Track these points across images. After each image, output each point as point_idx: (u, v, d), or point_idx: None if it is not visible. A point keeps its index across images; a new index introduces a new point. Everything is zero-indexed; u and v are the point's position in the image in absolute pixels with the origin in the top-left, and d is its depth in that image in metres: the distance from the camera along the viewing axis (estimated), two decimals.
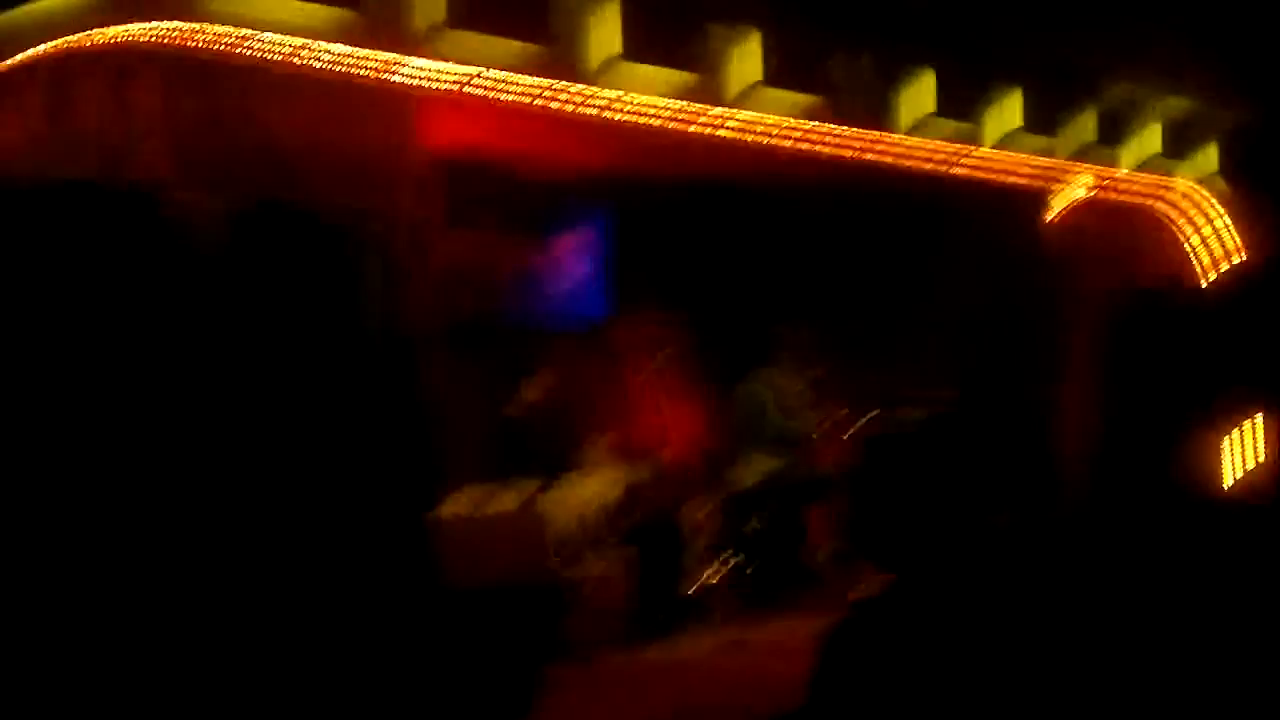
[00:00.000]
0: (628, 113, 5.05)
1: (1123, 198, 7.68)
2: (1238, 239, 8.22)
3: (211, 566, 3.62)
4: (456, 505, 5.72)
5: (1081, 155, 7.19)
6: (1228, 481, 7.56)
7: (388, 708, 4.12)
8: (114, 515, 3.51)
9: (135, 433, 3.54)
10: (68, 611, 3.42)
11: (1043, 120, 6.87)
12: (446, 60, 4.35)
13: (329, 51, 4.04)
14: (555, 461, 6.66)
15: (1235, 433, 7.69)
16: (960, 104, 6.45)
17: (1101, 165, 7.35)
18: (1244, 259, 8.20)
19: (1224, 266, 8.23)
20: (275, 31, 3.87)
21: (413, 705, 4.28)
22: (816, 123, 5.74)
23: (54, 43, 3.66)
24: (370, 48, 4.12)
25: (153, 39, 3.66)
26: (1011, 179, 7.00)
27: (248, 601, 3.68)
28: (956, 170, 6.57)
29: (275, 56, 3.93)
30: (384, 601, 4.09)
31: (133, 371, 3.52)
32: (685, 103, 5.19)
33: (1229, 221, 8.21)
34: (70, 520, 3.43)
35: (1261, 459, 7.62)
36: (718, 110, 5.31)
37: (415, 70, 4.30)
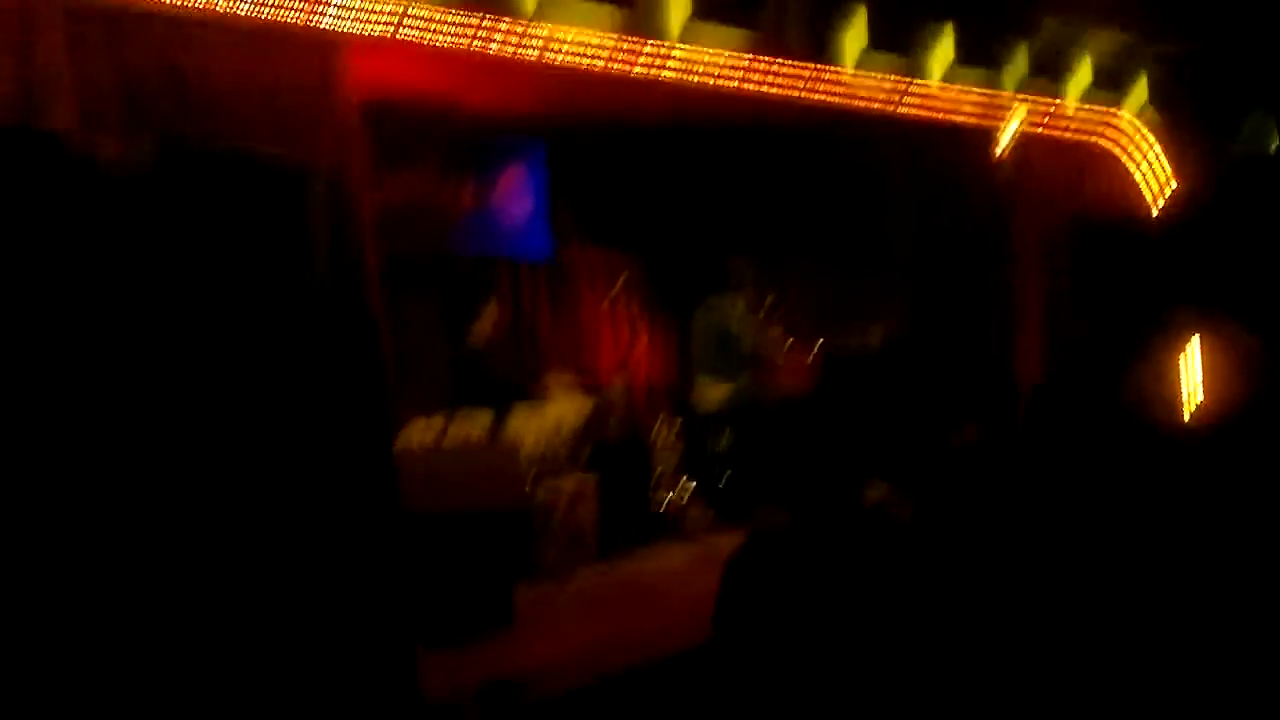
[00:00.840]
0: (565, 52, 4.64)
1: (1068, 132, 7.33)
2: (1169, 169, 7.84)
3: (164, 519, 3.35)
4: (416, 435, 5.48)
5: (1017, 89, 6.79)
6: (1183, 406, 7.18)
7: (366, 629, 3.84)
8: (45, 479, 3.17)
9: (69, 388, 3.21)
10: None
11: (978, 55, 6.44)
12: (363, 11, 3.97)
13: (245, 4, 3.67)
14: (513, 391, 6.39)
15: (1186, 359, 7.32)
16: (895, 38, 6.01)
17: (1038, 98, 6.91)
18: (1178, 187, 7.81)
19: (1162, 196, 7.88)
20: None
21: (391, 626, 4.01)
22: (755, 58, 5.31)
23: None
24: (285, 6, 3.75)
25: None
26: (953, 113, 6.61)
27: (208, 549, 3.41)
28: (898, 106, 6.15)
29: (190, 5, 3.55)
30: (354, 532, 3.78)
31: (52, 324, 3.17)
32: (620, 39, 4.77)
33: (1161, 151, 7.82)
34: None
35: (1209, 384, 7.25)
36: (651, 48, 4.90)
37: (341, 11, 3.92)
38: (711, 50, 5.23)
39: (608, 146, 7.64)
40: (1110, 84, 7.49)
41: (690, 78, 5.19)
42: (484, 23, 4.38)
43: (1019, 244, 7.24)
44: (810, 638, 2.27)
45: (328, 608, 3.69)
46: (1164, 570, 3.09)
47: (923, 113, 6.35)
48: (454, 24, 4.32)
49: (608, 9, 4.77)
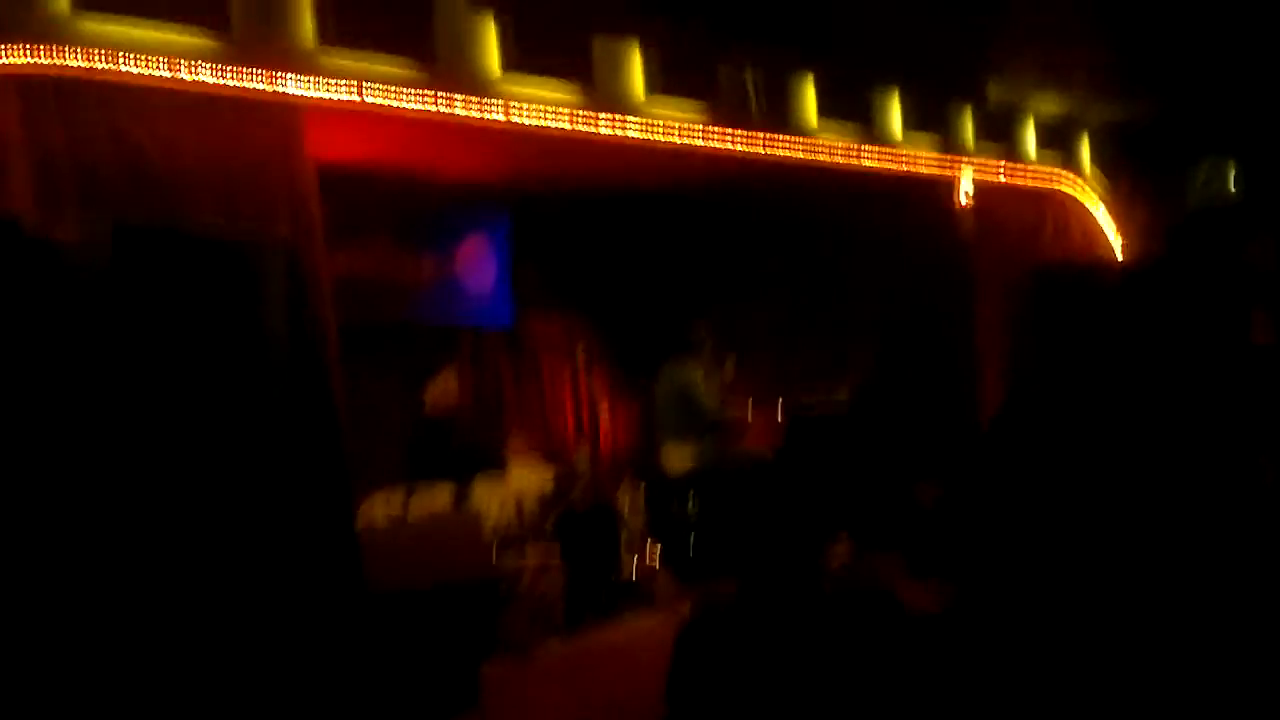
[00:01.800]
0: (528, 114, 4.68)
1: (1023, 185, 7.52)
2: (1121, 221, 8.06)
3: (128, 593, 3.23)
4: (378, 509, 5.40)
5: (967, 150, 6.93)
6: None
7: (328, 713, 3.75)
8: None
9: (23, 467, 3.12)
10: None
11: (928, 118, 6.61)
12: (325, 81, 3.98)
13: (207, 70, 3.67)
14: (475, 460, 6.34)
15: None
16: (848, 106, 6.15)
17: (987, 161, 7.11)
18: (1131, 239, 8.03)
19: (1117, 247, 8.09)
20: (139, 63, 3.50)
21: (355, 711, 3.92)
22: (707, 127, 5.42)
23: None
24: (241, 74, 3.75)
25: (16, 63, 3.27)
26: (908, 173, 6.76)
27: (174, 622, 3.29)
28: (858, 159, 6.27)
29: (151, 76, 3.54)
30: (316, 610, 3.70)
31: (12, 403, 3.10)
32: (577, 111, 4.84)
33: (1111, 205, 8.04)
34: None
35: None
36: (608, 116, 4.97)
37: (298, 86, 3.93)
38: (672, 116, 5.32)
39: (569, 214, 7.70)
40: (1057, 143, 7.71)
41: (653, 135, 5.25)
42: (446, 87, 4.40)
43: (980, 296, 7.36)
44: (758, 711, 2.24)
45: (290, 690, 3.60)
46: (1131, 615, 3.10)
47: (881, 166, 6.48)
48: (417, 89, 4.33)
49: (567, 84, 4.83)
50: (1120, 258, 8.04)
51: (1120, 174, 8.04)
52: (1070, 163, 7.82)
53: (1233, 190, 8.00)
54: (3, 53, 3.24)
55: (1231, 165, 7.98)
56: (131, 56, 3.49)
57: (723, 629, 2.35)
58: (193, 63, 3.64)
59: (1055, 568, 3.18)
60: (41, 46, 3.31)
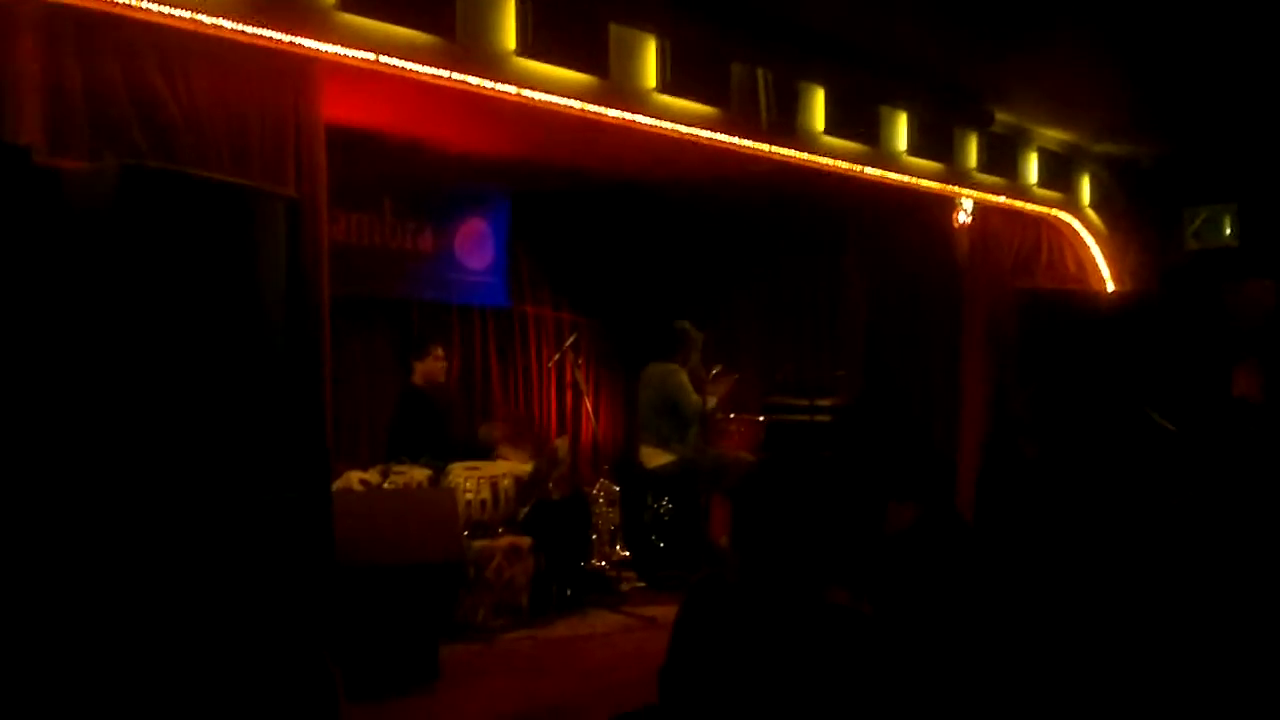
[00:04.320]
0: (541, 88, 4.73)
1: (1019, 212, 7.66)
2: (1115, 256, 8.17)
3: (101, 550, 3.28)
4: (354, 481, 5.43)
5: (962, 179, 7.06)
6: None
7: (290, 678, 3.77)
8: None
9: (9, 405, 3.14)
10: None
11: (932, 142, 6.71)
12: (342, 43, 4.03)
13: (224, 22, 3.71)
14: (455, 441, 6.38)
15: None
16: (854, 123, 6.24)
17: (984, 190, 7.23)
18: (1125, 273, 8.14)
19: (1109, 280, 8.23)
20: (161, 3, 3.54)
21: (316, 676, 3.94)
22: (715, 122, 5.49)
23: None
24: (261, 25, 3.79)
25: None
26: (908, 194, 6.84)
27: (137, 580, 3.33)
28: (854, 175, 6.37)
29: (171, 17, 3.58)
30: (283, 576, 3.72)
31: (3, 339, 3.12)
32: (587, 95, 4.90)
33: (1106, 240, 8.14)
34: None
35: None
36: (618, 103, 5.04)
37: (316, 41, 3.98)
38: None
39: (569, 205, 7.77)
40: (1059, 173, 7.81)
41: (661, 125, 5.30)
42: (462, 58, 4.44)
43: (968, 314, 7.45)
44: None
45: (251, 652, 3.62)
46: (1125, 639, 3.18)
47: (882, 179, 6.57)
48: (433, 57, 4.36)
49: (580, 67, 4.89)
50: (1111, 292, 8.18)
51: (1119, 210, 8.18)
52: (1070, 193, 7.95)
53: (1229, 236, 8.15)
54: None
55: (1231, 211, 8.12)
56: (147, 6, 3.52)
57: (717, 606, 2.41)
58: (214, 9, 3.68)
59: (1024, 592, 3.26)
60: None
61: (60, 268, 3.26)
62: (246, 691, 3.58)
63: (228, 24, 3.72)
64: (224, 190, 3.62)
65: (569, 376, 7.74)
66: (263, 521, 3.68)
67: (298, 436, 3.91)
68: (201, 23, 3.66)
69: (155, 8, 3.53)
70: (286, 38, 3.89)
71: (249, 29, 3.77)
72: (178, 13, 3.61)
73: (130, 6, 3.49)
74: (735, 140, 5.63)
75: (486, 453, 6.50)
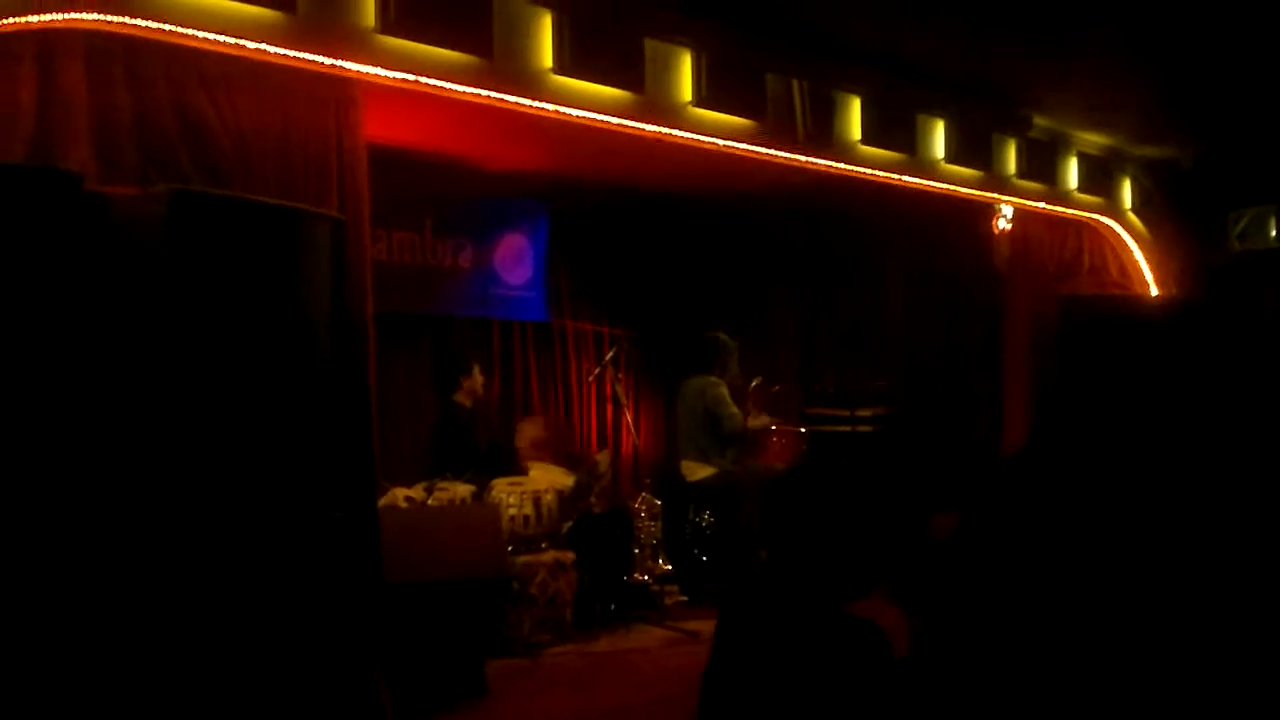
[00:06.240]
0: (578, 105, 4.78)
1: (1060, 218, 7.61)
2: (1158, 261, 8.09)
3: (150, 563, 3.31)
4: (399, 498, 5.46)
5: (1001, 186, 7.01)
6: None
7: (338, 695, 3.80)
8: (44, 514, 3.16)
9: (65, 428, 3.20)
10: None
11: (965, 152, 6.68)
12: (383, 65, 4.08)
13: (268, 47, 3.78)
14: (497, 458, 6.41)
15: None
16: (892, 132, 6.24)
17: (1024, 197, 7.19)
18: (1168, 279, 8.07)
19: (1152, 285, 8.16)
20: (206, 30, 3.60)
21: (364, 693, 3.97)
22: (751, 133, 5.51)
23: None
24: (304, 50, 3.85)
25: (86, 20, 3.38)
26: (947, 201, 6.82)
27: (192, 600, 3.36)
28: (891, 183, 6.35)
29: (217, 43, 3.65)
30: (333, 595, 3.76)
31: (59, 363, 3.18)
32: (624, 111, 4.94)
33: (1149, 244, 8.08)
34: None
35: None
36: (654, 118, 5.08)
37: (358, 64, 4.04)
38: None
39: (609, 218, 7.79)
40: (1100, 178, 7.76)
41: (700, 138, 5.34)
42: (500, 76, 4.49)
43: (1010, 322, 7.40)
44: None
45: (301, 671, 3.65)
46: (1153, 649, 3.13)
47: (922, 186, 6.54)
48: (472, 77, 4.42)
49: (617, 83, 4.93)
50: (1155, 296, 8.10)
51: (1160, 214, 8.10)
52: (1111, 198, 7.89)
53: (1275, 238, 8.04)
54: (73, 9, 3.33)
55: (1275, 212, 8.02)
56: (199, 24, 3.59)
57: (747, 612, 2.42)
58: (257, 35, 3.75)
59: (1063, 607, 3.21)
60: (111, 5, 3.41)
61: (111, 292, 3.31)
62: (296, 710, 3.61)
63: (271, 49, 3.79)
64: (270, 213, 3.68)
65: (609, 390, 7.76)
66: (311, 541, 3.71)
67: (345, 455, 3.95)
68: (245, 48, 3.73)
69: (201, 34, 3.60)
70: (328, 60, 3.96)
71: (292, 53, 3.84)
72: (223, 39, 3.68)
73: (177, 34, 3.56)
74: (772, 152, 5.66)
75: (528, 467, 6.53)
